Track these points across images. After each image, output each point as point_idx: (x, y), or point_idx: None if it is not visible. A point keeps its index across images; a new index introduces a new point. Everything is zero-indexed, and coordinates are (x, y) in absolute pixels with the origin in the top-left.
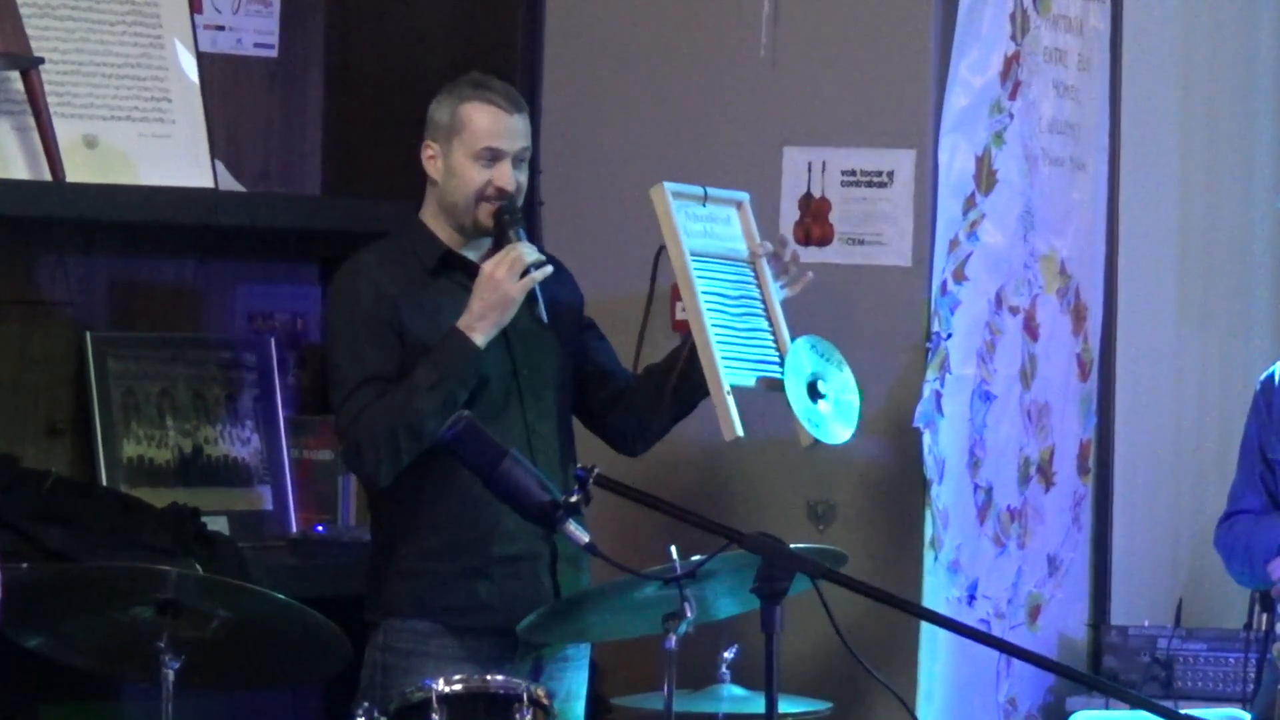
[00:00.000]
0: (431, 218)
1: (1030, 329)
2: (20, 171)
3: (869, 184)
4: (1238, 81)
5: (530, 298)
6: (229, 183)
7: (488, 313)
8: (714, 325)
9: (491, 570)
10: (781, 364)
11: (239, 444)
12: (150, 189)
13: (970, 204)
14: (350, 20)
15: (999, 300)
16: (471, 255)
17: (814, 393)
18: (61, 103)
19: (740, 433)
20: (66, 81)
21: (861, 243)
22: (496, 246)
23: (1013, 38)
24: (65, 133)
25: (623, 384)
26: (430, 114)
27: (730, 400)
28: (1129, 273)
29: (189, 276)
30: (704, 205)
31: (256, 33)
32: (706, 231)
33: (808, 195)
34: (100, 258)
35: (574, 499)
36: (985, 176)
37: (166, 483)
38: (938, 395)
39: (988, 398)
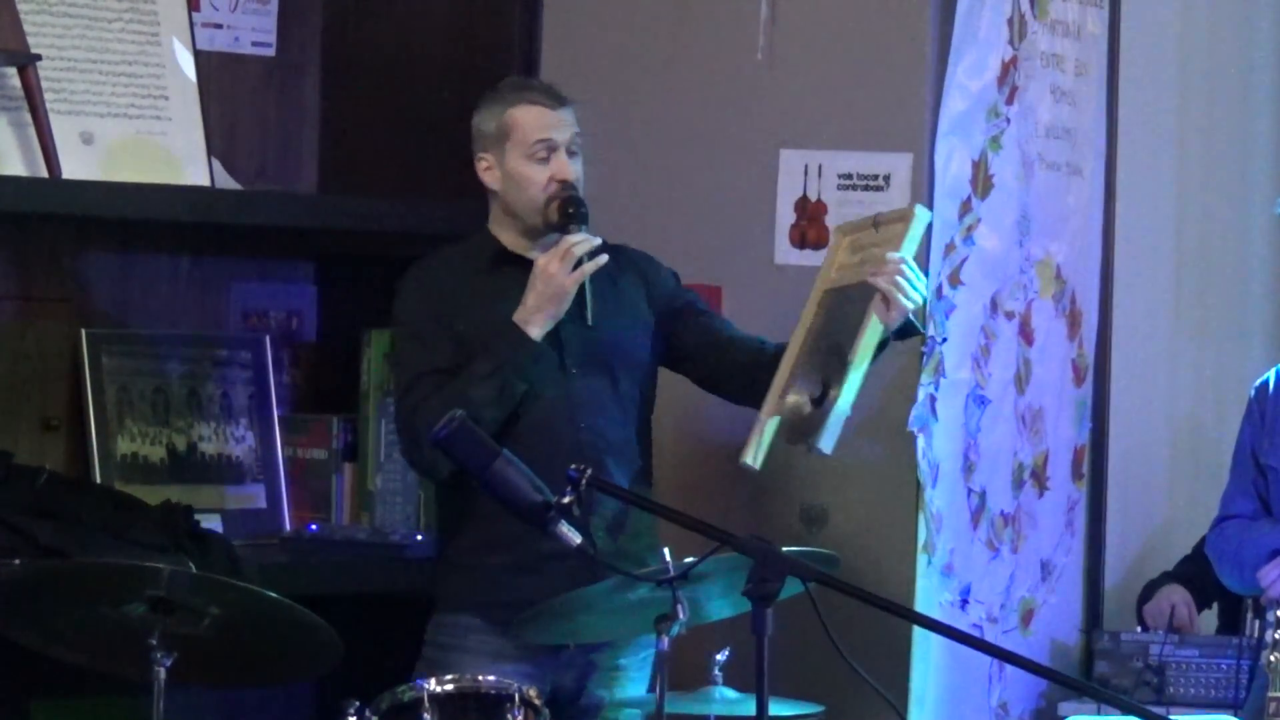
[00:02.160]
0: (495, 224)
1: (1025, 334)
2: (17, 168)
3: (865, 187)
4: (1234, 88)
5: (580, 296)
6: (225, 180)
7: (543, 304)
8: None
9: (540, 565)
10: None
11: (233, 442)
12: (146, 186)
13: (966, 208)
14: (348, 19)
15: (994, 305)
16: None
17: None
18: (58, 99)
19: (755, 465)
20: (63, 78)
21: None
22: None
23: (1010, 42)
24: (62, 129)
25: (747, 354)
26: (475, 126)
27: (768, 430)
28: (1125, 278)
29: (184, 274)
30: (876, 230)
31: (254, 31)
32: (865, 260)
33: (804, 198)
34: (96, 254)
35: (566, 500)
36: (982, 181)
37: (160, 480)
38: (932, 399)
39: (982, 402)
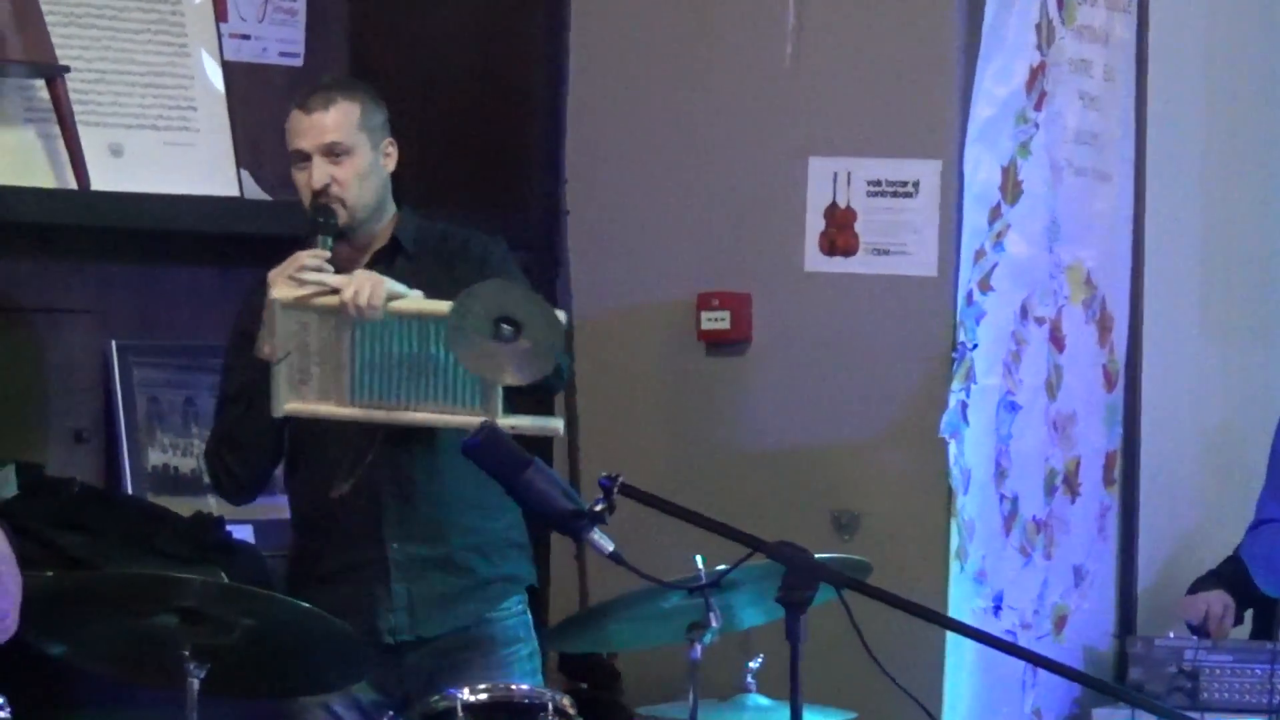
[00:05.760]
0: None
1: (1056, 339)
2: (46, 179)
3: (894, 194)
4: (1261, 92)
5: None
6: (254, 191)
7: (268, 321)
8: (445, 406)
9: (331, 577)
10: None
11: None
12: (175, 197)
13: (996, 214)
14: (374, 29)
15: (1024, 311)
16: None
17: (505, 334)
18: (87, 111)
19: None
20: (91, 90)
21: (887, 253)
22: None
23: (1038, 48)
24: (90, 141)
25: None
26: None
27: (523, 420)
28: (1154, 283)
29: (213, 284)
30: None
31: (281, 41)
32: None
33: (833, 205)
34: (125, 266)
35: (598, 508)
36: (1010, 187)
37: (191, 491)
38: (963, 405)
39: (1013, 408)
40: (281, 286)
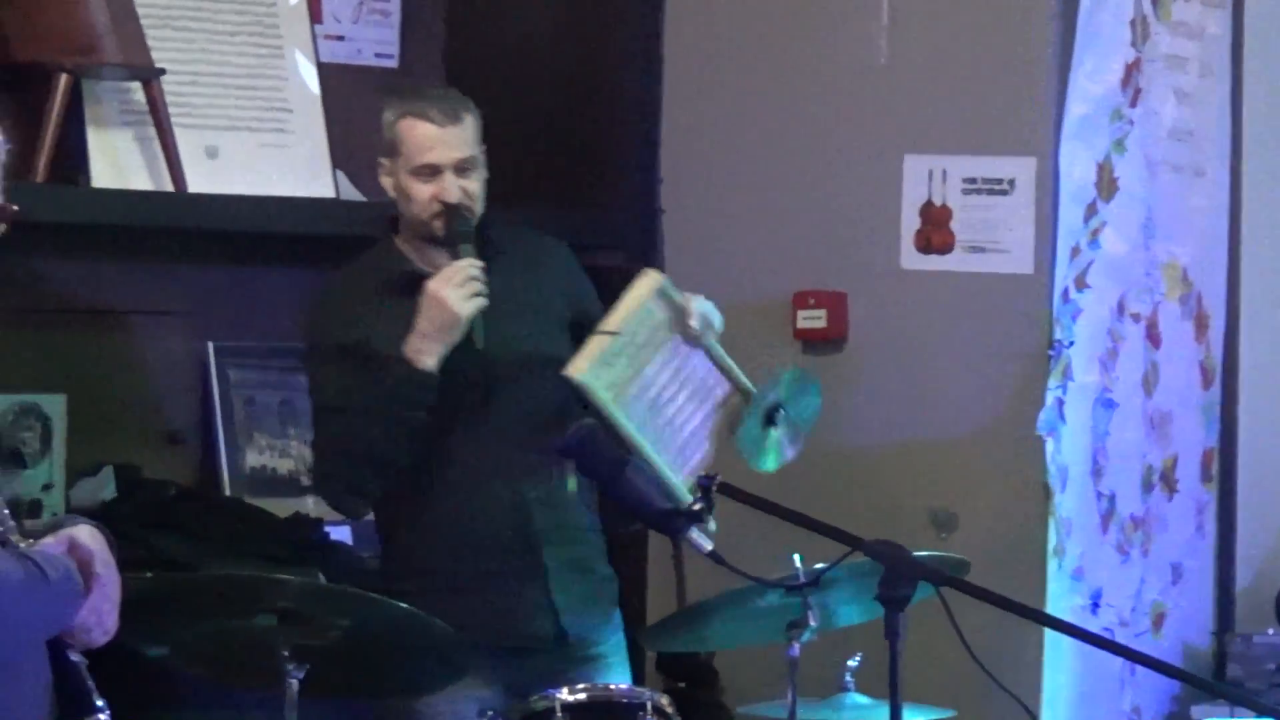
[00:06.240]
0: (404, 233)
1: (1152, 336)
2: (142, 182)
3: (990, 191)
4: None
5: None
6: (349, 192)
7: (435, 333)
8: (657, 448)
9: (476, 586)
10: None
11: None
12: (270, 199)
13: (1091, 211)
14: (468, 29)
15: (1121, 307)
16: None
17: (770, 420)
18: (182, 113)
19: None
20: (186, 92)
21: (983, 250)
22: (454, 259)
23: (1132, 44)
24: (186, 143)
25: None
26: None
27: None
28: (1251, 280)
29: (309, 286)
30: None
31: (376, 43)
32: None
33: (928, 203)
34: (221, 267)
35: (697, 507)
36: (1106, 184)
37: (289, 492)
38: (1060, 403)
39: (1110, 405)
40: (453, 298)
